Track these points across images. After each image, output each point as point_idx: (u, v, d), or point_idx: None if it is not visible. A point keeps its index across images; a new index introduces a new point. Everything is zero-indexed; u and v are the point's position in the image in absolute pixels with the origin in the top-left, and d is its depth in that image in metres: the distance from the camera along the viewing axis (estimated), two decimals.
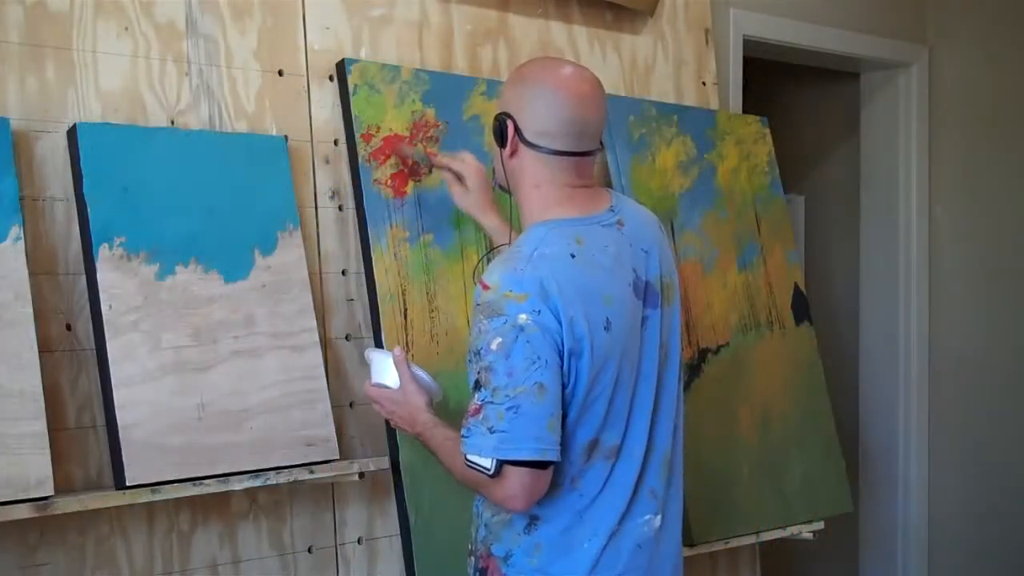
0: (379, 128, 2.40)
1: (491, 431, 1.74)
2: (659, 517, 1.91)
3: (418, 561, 2.28)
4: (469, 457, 1.77)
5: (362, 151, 2.38)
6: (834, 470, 3.14)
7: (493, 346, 1.74)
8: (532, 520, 1.85)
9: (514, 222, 2.15)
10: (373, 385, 2.07)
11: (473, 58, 2.68)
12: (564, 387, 1.77)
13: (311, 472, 2.18)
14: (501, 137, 1.90)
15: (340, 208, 2.43)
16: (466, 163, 2.31)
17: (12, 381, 1.91)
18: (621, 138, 2.81)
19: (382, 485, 2.40)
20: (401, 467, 2.30)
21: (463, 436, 1.79)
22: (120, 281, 2.05)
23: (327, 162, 2.42)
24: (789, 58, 3.79)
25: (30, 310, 1.95)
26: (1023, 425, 3.85)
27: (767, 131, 3.19)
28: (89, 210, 2.05)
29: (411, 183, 2.43)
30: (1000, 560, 3.90)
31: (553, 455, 1.76)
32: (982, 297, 3.95)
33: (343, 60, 2.41)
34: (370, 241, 2.35)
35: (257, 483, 2.12)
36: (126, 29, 2.19)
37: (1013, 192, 3.88)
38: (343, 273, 2.43)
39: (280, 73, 2.38)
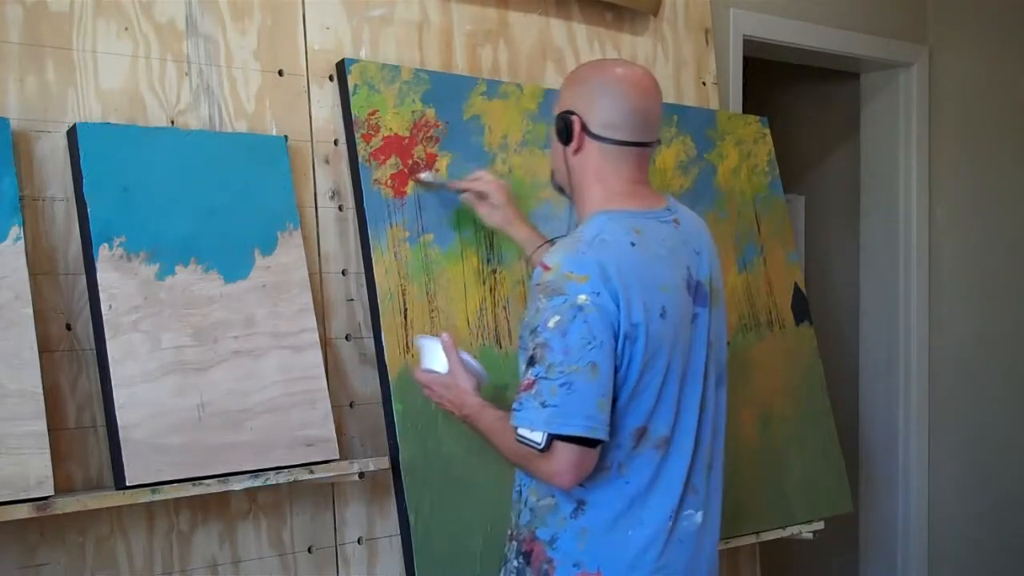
0: (379, 128, 2.41)
1: (543, 405, 1.78)
2: (700, 514, 1.95)
3: (418, 561, 2.28)
4: (520, 431, 1.81)
5: (362, 151, 2.38)
6: (834, 470, 3.14)
7: (551, 324, 1.79)
8: (579, 505, 1.89)
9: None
10: (423, 371, 2.09)
11: (473, 58, 2.68)
12: (617, 370, 1.82)
13: (311, 472, 2.18)
14: (566, 134, 1.95)
15: (340, 208, 2.43)
16: (486, 182, 2.38)
17: (12, 381, 1.91)
18: None
19: (382, 485, 2.40)
20: (401, 467, 2.30)
21: (514, 409, 1.83)
22: (120, 281, 2.05)
23: (327, 162, 2.43)
24: (789, 58, 3.79)
25: (30, 310, 1.95)
26: (1023, 425, 3.85)
27: (767, 131, 3.19)
28: (89, 210, 2.05)
29: (411, 182, 2.43)
30: (1000, 560, 3.90)
31: (602, 434, 1.80)
32: (982, 297, 3.95)
33: (343, 60, 2.41)
34: (370, 241, 2.35)
35: (257, 483, 2.12)
36: (126, 29, 2.19)
37: (1013, 192, 3.88)
38: (343, 273, 2.43)
39: (280, 73, 2.38)
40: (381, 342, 2.33)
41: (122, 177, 2.10)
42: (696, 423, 1.93)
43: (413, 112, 2.46)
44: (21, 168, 2.04)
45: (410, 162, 2.43)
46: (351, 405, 2.40)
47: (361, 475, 2.26)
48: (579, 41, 2.88)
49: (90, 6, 2.16)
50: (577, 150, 1.95)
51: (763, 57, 3.64)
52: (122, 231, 2.07)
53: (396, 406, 2.31)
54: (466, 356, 2.07)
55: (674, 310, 1.88)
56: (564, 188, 2.04)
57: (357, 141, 2.38)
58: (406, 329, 2.35)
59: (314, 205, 2.40)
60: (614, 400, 1.83)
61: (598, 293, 1.79)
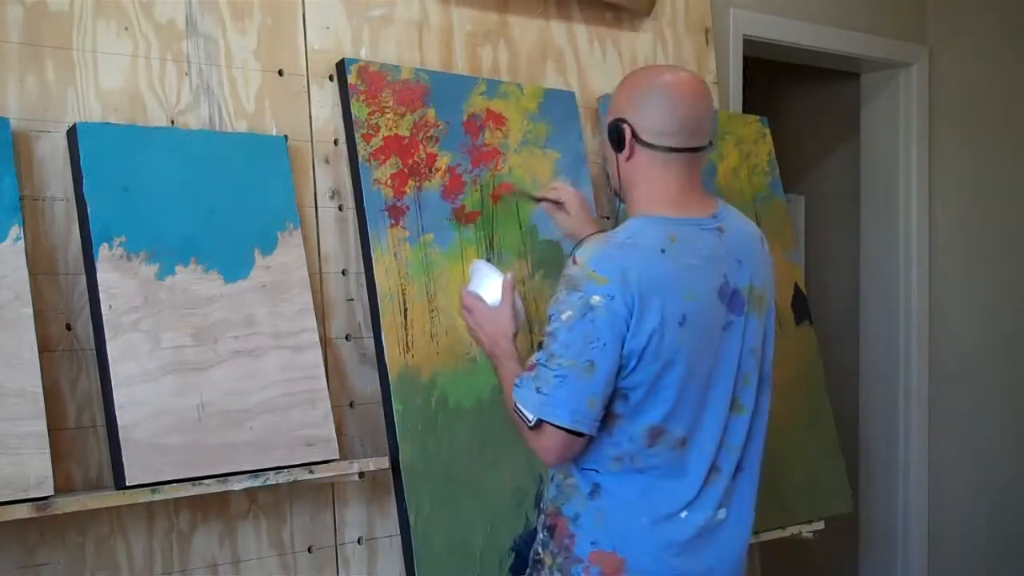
0: (379, 128, 2.41)
1: (538, 391, 1.89)
2: (723, 511, 2.00)
3: (418, 561, 2.28)
4: (517, 404, 1.92)
5: (362, 151, 2.38)
6: (834, 470, 3.14)
7: (563, 316, 1.88)
8: (595, 488, 1.97)
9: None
10: (470, 292, 2.12)
11: (473, 58, 2.68)
12: (623, 369, 1.88)
13: (311, 472, 2.18)
14: (618, 142, 1.99)
15: (340, 208, 2.43)
16: (564, 191, 2.42)
17: (12, 381, 1.91)
18: None
19: (382, 485, 2.40)
20: (401, 467, 2.30)
21: (516, 384, 1.94)
22: (120, 281, 2.05)
23: (327, 162, 2.42)
24: (789, 58, 3.79)
25: (30, 310, 1.95)
26: (1023, 425, 3.85)
27: (767, 131, 3.19)
28: (89, 210, 2.05)
29: (411, 182, 2.43)
30: (1001, 560, 3.90)
31: (585, 428, 1.88)
32: (982, 297, 3.95)
33: (343, 60, 2.41)
34: (370, 241, 2.35)
35: (257, 483, 2.12)
36: (126, 29, 2.19)
37: (1013, 191, 3.88)
38: (343, 273, 2.43)
39: (280, 73, 2.38)
40: (381, 342, 2.33)
41: (122, 177, 2.10)
42: (722, 426, 1.98)
43: (413, 112, 2.46)
44: (21, 168, 2.03)
45: (410, 162, 2.43)
46: (351, 405, 2.40)
47: (361, 475, 2.26)
48: (579, 41, 2.88)
49: (90, 6, 2.16)
50: (629, 157, 1.99)
51: (763, 57, 3.64)
52: (122, 231, 2.07)
53: (396, 406, 2.31)
54: (519, 301, 2.11)
55: (697, 318, 1.92)
56: (616, 190, 2.07)
57: (357, 141, 2.38)
58: (406, 329, 2.36)
59: (314, 205, 2.40)
60: (628, 397, 1.90)
61: (612, 297, 1.85)
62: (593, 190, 2.73)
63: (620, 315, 1.85)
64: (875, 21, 3.85)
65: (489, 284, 2.10)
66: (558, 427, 1.87)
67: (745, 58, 3.41)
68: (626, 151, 1.98)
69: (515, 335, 2.08)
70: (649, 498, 1.95)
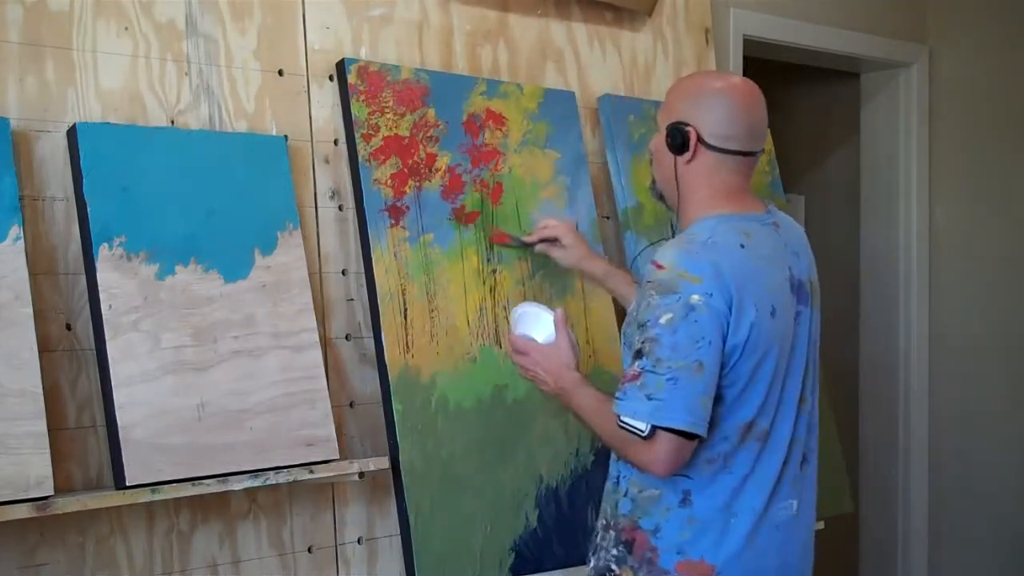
0: (379, 128, 2.40)
1: (648, 398, 1.86)
2: (796, 503, 2.02)
3: (418, 561, 2.28)
4: (623, 418, 1.89)
5: (362, 151, 2.38)
6: (835, 470, 3.14)
7: (662, 320, 1.86)
8: (686, 495, 1.96)
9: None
10: (519, 335, 2.12)
11: (473, 58, 2.68)
12: (723, 367, 1.89)
13: (311, 472, 2.18)
14: (682, 146, 2.00)
15: (340, 208, 2.43)
16: (555, 227, 2.46)
17: (12, 381, 1.91)
18: (621, 138, 2.81)
19: (382, 485, 2.40)
20: (401, 467, 2.30)
21: (617, 398, 1.90)
22: (120, 281, 2.05)
23: (327, 162, 2.42)
24: (789, 58, 3.79)
25: (30, 310, 1.95)
26: (1023, 424, 3.85)
27: (767, 131, 3.18)
28: (89, 210, 2.05)
29: (411, 182, 2.43)
30: (1001, 560, 3.90)
31: (701, 430, 1.87)
32: (982, 297, 3.95)
33: (343, 60, 2.41)
34: (370, 241, 2.35)
35: (257, 483, 2.12)
36: (126, 29, 2.19)
37: (1013, 191, 3.88)
38: (343, 273, 2.43)
39: (280, 73, 2.38)
40: (381, 342, 2.33)
41: (122, 177, 2.10)
42: (794, 417, 2.00)
43: (413, 112, 2.46)
44: (21, 168, 2.03)
45: (410, 162, 2.43)
46: (351, 405, 2.40)
47: (361, 475, 2.26)
48: (579, 41, 2.88)
49: (90, 6, 2.15)
50: (690, 160, 2.01)
51: (763, 57, 3.64)
52: (122, 231, 2.07)
53: (396, 406, 2.31)
54: (573, 335, 2.12)
55: (782, 309, 1.95)
56: (666, 196, 2.10)
57: (357, 141, 2.38)
58: (406, 329, 2.35)
59: (314, 205, 2.40)
60: (723, 396, 1.91)
61: (711, 294, 1.86)
62: (593, 190, 2.73)
63: (721, 311, 1.86)
64: (875, 21, 3.85)
65: (539, 323, 2.11)
66: (673, 431, 1.85)
67: (745, 58, 3.41)
68: (689, 153, 2.00)
69: (576, 365, 2.09)
70: (738, 499, 1.95)
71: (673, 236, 2.08)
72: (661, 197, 2.13)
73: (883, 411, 4.08)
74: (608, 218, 2.82)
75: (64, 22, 2.13)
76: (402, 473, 2.30)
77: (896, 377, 4.03)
